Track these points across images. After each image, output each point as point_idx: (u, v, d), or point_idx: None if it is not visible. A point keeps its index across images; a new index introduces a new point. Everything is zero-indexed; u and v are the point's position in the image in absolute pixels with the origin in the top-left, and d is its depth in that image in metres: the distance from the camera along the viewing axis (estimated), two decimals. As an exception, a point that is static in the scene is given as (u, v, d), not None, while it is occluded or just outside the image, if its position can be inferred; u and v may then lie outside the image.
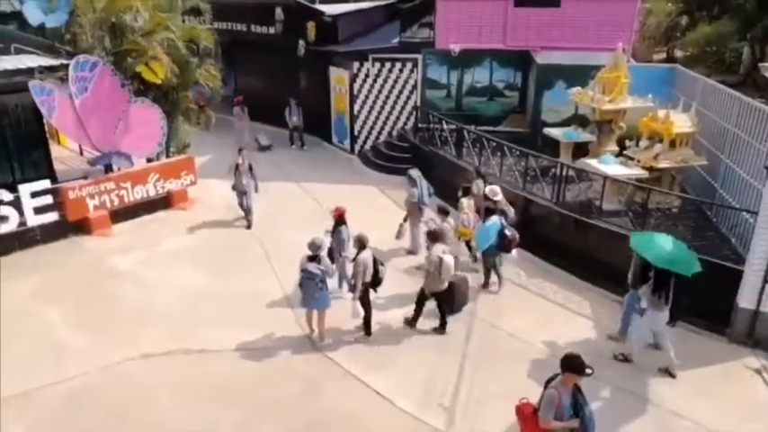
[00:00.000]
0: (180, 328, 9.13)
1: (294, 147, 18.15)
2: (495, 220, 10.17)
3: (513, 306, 10.00)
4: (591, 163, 11.94)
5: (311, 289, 8.50)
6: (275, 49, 18.43)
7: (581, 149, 13.49)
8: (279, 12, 17.73)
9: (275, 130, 18.71)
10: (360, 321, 8.94)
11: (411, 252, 11.58)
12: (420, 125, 16.37)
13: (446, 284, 9.00)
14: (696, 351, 8.75)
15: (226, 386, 7.91)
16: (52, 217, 11.60)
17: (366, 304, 8.77)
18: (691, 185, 12.78)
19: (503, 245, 10.01)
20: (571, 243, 10.89)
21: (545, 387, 5.66)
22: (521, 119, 16.93)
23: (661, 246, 7.97)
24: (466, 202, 10.80)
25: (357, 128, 17.30)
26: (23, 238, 11.30)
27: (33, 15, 12.33)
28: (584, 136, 13.40)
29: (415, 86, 17.00)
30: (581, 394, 5.55)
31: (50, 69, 11.82)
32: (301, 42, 17.28)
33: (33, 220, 11.35)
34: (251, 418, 7.34)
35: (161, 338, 8.86)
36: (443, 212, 10.18)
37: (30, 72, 11.47)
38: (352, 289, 8.65)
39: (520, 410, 5.67)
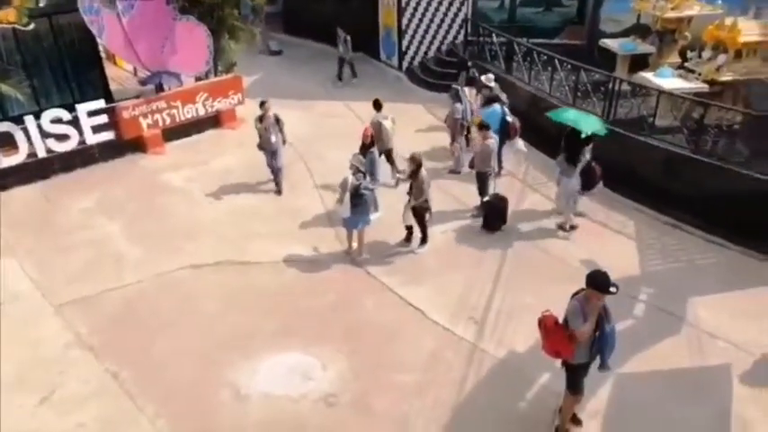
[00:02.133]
0: (227, 241, 9.61)
1: (341, 83, 16.45)
2: (495, 107, 10.62)
3: (552, 223, 9.90)
4: (647, 76, 11.24)
5: (364, 207, 8.69)
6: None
7: (641, 62, 12.69)
8: None
9: (323, 47, 18.45)
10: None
11: (453, 171, 11.49)
12: (470, 39, 15.72)
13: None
14: (742, 273, 8.54)
15: (268, 295, 8.39)
16: (109, 136, 12.13)
17: (423, 220, 9.02)
18: (758, 100, 11.85)
19: (505, 132, 10.37)
20: (618, 161, 10.47)
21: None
22: (578, 30, 15.95)
23: (570, 114, 9.40)
24: (467, 91, 11.54)
25: (405, 43, 16.78)
26: (83, 156, 11.94)
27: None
28: (642, 47, 12.56)
29: (466, -3, 16.19)
30: (605, 311, 5.55)
31: (98, -13, 11.96)
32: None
33: (92, 139, 11.92)
34: (290, 325, 7.81)
35: (209, 250, 9.37)
36: (485, 128, 9.94)
37: (79, -9, 11.66)
38: (422, 205, 8.76)
39: (542, 322, 5.74)
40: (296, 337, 7.58)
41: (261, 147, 10.62)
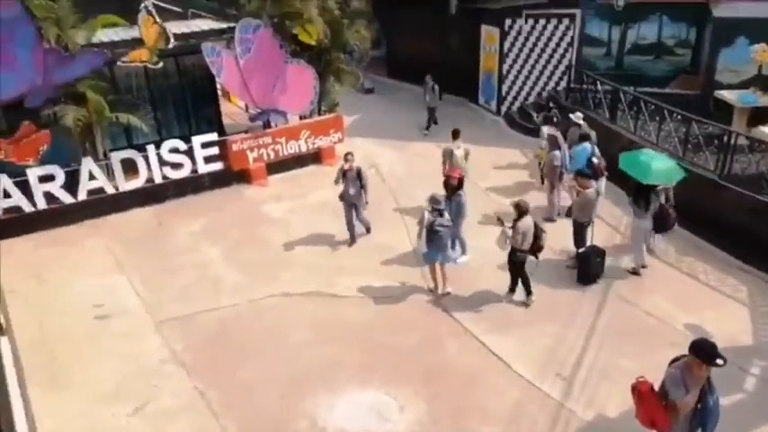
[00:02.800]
0: (318, 273, 9.87)
1: (428, 132, 16.22)
2: (585, 145, 10.77)
3: (655, 283, 9.34)
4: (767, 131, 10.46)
5: (439, 242, 8.72)
6: (428, 8, 18.38)
7: (761, 116, 11.85)
8: (432, -30, 17.61)
9: (419, 89, 18.80)
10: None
11: (548, 219, 11.18)
12: (573, 86, 15.46)
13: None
14: None
15: (352, 329, 8.48)
16: (218, 166, 13.01)
17: (522, 270, 8.73)
18: None
19: (592, 171, 10.01)
20: (734, 220, 9.75)
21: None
22: (692, 80, 15.25)
23: (639, 160, 9.08)
24: (546, 129, 11.95)
25: (505, 88, 16.81)
26: (195, 184, 12.86)
27: (213, -16, 13.67)
28: (763, 100, 11.73)
29: (570, 44, 16.03)
30: (708, 382, 5.08)
31: (220, 32, 13.07)
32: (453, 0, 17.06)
33: (203, 168, 12.82)
34: (372, 362, 7.80)
35: (301, 280, 9.67)
36: (586, 176, 9.54)
37: (203, 35, 12.79)
38: (515, 253, 8.55)
39: (635, 388, 5.36)
40: (376, 374, 7.56)
41: (341, 197, 10.46)
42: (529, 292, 8.86)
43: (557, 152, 11.04)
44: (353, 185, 10.23)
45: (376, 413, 7.01)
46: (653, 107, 12.17)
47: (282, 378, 7.55)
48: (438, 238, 8.70)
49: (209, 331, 8.56)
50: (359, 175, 10.24)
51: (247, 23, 12.79)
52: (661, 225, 9.38)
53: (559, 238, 9.89)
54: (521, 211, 8.40)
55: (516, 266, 8.68)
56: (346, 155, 10.35)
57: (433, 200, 8.76)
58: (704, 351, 4.93)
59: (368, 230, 10.97)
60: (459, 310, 8.82)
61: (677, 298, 8.91)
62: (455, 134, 11.35)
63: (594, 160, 10.48)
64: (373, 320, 8.69)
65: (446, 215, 8.77)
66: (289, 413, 7.01)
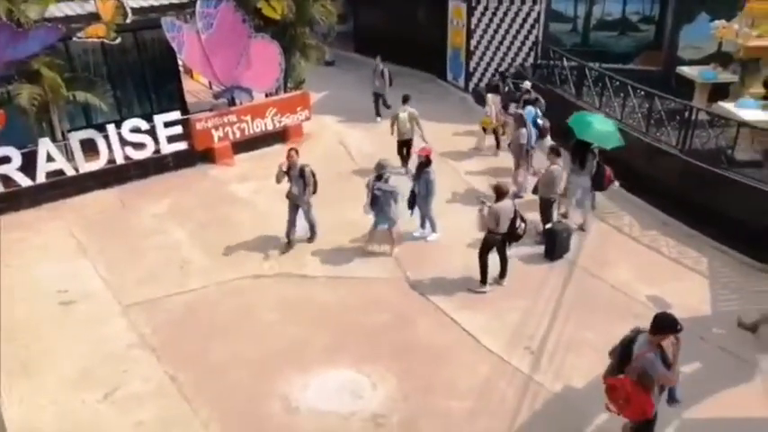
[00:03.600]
0: (287, 254, 9.79)
1: (379, 119, 15.07)
2: (529, 108, 11.64)
3: (619, 257, 9.56)
4: (727, 107, 10.71)
5: (379, 206, 9.17)
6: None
7: (721, 92, 12.12)
8: (399, -58, 17.31)
9: (391, 66, 18.57)
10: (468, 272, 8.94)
11: (516, 196, 11.27)
12: (540, 62, 15.52)
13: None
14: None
15: (322, 309, 8.47)
16: (182, 146, 12.70)
17: (502, 254, 8.66)
18: None
19: (537, 131, 11.35)
20: (695, 195, 10.01)
21: (622, 346, 5.34)
22: (655, 56, 15.48)
23: (585, 119, 9.88)
24: (491, 98, 12.87)
25: (473, 65, 16.77)
26: (158, 164, 12.54)
27: (164, -46, 13.11)
28: (723, 76, 12.00)
29: (537, 20, 16.05)
30: (664, 353, 5.20)
31: (180, 6, 12.64)
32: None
33: (166, 148, 12.50)
34: (343, 341, 7.83)
35: (270, 262, 9.59)
36: (555, 153, 9.71)
37: (162, 9, 12.35)
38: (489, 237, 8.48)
39: (617, 388, 5.17)
40: (348, 354, 7.60)
41: (287, 196, 9.66)
42: (483, 281, 8.72)
43: (523, 130, 11.12)
44: (297, 184, 9.42)
45: (349, 391, 7.05)
46: (617, 83, 12.32)
47: (254, 359, 7.53)
48: (377, 201, 9.06)
49: (178, 314, 8.44)
50: (302, 173, 9.36)
51: (209, -3, 12.40)
52: (598, 183, 9.81)
53: (526, 214, 10.02)
54: (500, 193, 8.30)
55: (483, 246, 8.57)
56: (289, 151, 9.51)
57: (378, 165, 9.16)
58: (668, 324, 5.05)
59: (311, 236, 9.98)
60: (430, 288, 8.88)
61: (641, 271, 9.15)
62: (405, 99, 12.22)
63: (539, 122, 11.67)
64: (344, 300, 8.69)
65: (390, 181, 9.20)
66: (261, 394, 7.00)
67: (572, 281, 9.00)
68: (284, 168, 9.39)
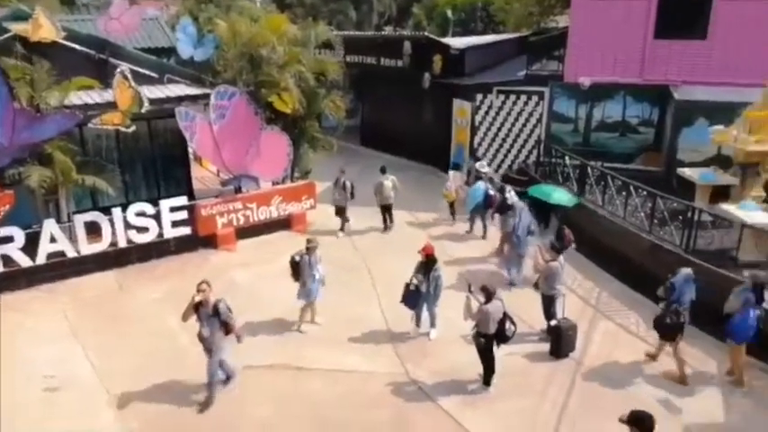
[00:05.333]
0: (284, 344, 9.52)
1: (341, 234, 14.10)
2: (479, 184, 13.39)
3: (627, 358, 9.21)
4: (728, 208, 10.75)
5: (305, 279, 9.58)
6: (402, 81, 18.95)
7: (722, 194, 12.22)
8: (407, 46, 18.27)
9: (395, 159, 19.08)
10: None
11: (511, 284, 11.36)
12: (542, 159, 15.86)
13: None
14: None
15: (319, 405, 8.11)
16: (185, 231, 12.73)
17: (488, 355, 8.34)
18: None
19: (487, 203, 13.11)
20: (700, 296, 9.79)
21: None
22: (655, 157, 15.79)
23: (543, 189, 13.07)
24: (452, 174, 14.76)
25: (477, 160, 17.13)
26: (160, 248, 12.52)
27: (185, 49, 13.82)
28: (723, 178, 12.14)
29: (539, 120, 16.59)
30: None
31: (195, 98, 13.14)
32: (426, 75, 17.65)
33: (170, 232, 12.52)
34: (337, 441, 7.41)
35: (265, 352, 9.28)
36: (556, 250, 9.68)
37: (178, 100, 12.83)
38: (479, 337, 8.24)
39: None
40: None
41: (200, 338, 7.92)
42: (487, 381, 8.43)
43: (511, 220, 11.63)
44: (208, 324, 7.70)
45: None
46: (620, 182, 12.49)
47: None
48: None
49: (170, 408, 8.04)
50: (216, 310, 7.70)
51: (223, 90, 12.91)
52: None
53: (526, 308, 9.90)
54: (488, 293, 8.13)
55: (481, 351, 8.32)
56: (200, 285, 7.76)
57: (308, 240, 9.71)
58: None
59: (226, 381, 8.33)
60: (430, 384, 8.53)
61: (647, 368, 8.83)
62: (383, 170, 14.03)
63: (491, 192, 13.14)
64: (341, 396, 8.32)
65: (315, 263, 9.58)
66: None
67: (579, 382, 8.63)
68: (197, 300, 7.67)
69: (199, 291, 7.68)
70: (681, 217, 11.02)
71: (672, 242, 10.84)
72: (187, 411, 7.98)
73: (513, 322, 8.24)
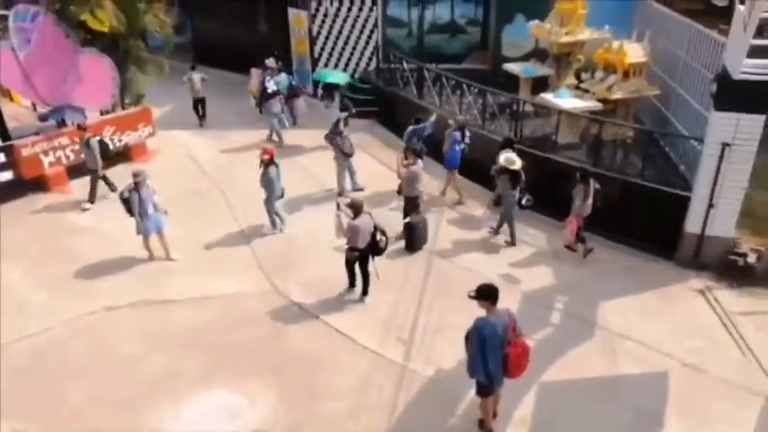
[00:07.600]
0: (143, 280, 9.23)
1: (204, 125, 15.31)
2: (283, 75, 14.74)
3: (470, 242, 10.25)
4: (547, 97, 11.98)
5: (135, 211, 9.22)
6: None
7: (542, 84, 13.49)
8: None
9: (232, 75, 18.21)
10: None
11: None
12: (382, 66, 16.12)
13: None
14: (645, 275, 9.17)
15: (190, 334, 8.10)
16: (7, 176, 11.38)
17: (363, 269, 8.61)
18: (645, 116, 12.94)
19: (291, 92, 14.93)
20: (528, 177, 11.00)
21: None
22: (484, 55, 16.77)
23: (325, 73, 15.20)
24: (253, 71, 15.11)
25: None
26: (-21, 199, 11.13)
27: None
28: (542, 70, 13.38)
29: (375, 26, 16.61)
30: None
31: (-12, 21, 11.36)
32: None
33: (-12, 180, 11.14)
34: (218, 363, 7.56)
35: (124, 291, 8.96)
36: (415, 154, 10.27)
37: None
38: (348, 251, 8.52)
39: (526, 351, 5.93)
40: (220, 375, 7.36)
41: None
42: (351, 285, 8.88)
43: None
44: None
45: (225, 413, 6.84)
46: (453, 82, 13.20)
47: (116, 398, 7.01)
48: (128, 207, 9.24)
49: (21, 363, 7.57)
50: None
51: (23, 10, 11.23)
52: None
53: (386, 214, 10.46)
54: (356, 209, 8.31)
55: (346, 262, 8.67)
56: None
57: (133, 174, 9.29)
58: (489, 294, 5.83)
59: None
60: (301, 295, 8.87)
61: (489, 252, 9.96)
62: (193, 67, 15.06)
63: (294, 83, 14.87)
64: (212, 321, 8.38)
65: (146, 197, 9.19)
66: (130, 432, 6.54)
67: (432, 269, 9.51)
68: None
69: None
70: (508, 109, 12.06)
71: (502, 132, 11.88)
72: (45, 363, 7.61)
73: (384, 233, 8.58)
